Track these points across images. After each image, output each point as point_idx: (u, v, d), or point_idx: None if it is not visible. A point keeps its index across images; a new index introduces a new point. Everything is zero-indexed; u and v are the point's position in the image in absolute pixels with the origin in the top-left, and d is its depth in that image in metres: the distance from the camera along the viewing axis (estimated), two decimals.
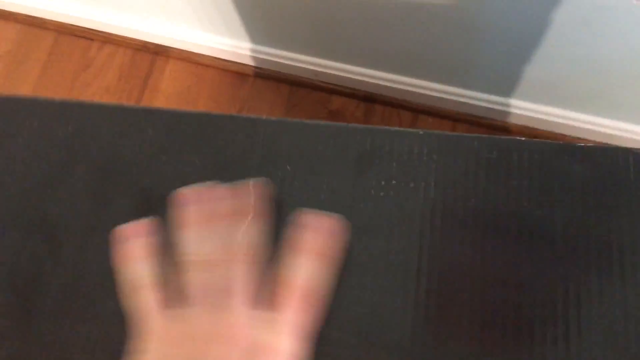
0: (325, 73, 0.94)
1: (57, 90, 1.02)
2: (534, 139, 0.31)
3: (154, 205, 0.32)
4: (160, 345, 0.27)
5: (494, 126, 0.92)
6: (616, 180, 0.30)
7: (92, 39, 1.06)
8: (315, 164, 0.32)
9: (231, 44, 0.96)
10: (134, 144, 0.34)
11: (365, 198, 0.31)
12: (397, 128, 0.32)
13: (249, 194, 0.30)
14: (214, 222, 0.29)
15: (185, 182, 0.32)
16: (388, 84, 0.91)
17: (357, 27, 0.78)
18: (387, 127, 0.32)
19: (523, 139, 0.31)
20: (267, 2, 0.80)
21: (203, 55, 1.02)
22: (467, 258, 0.29)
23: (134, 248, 0.30)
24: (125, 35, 1.04)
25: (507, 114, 0.89)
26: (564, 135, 0.89)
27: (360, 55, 0.87)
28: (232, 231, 0.29)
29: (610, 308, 0.27)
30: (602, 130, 0.84)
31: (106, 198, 0.33)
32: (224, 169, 0.32)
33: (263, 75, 1.01)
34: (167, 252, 0.30)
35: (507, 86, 0.82)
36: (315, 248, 0.29)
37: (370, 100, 0.97)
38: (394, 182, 0.31)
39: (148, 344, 0.27)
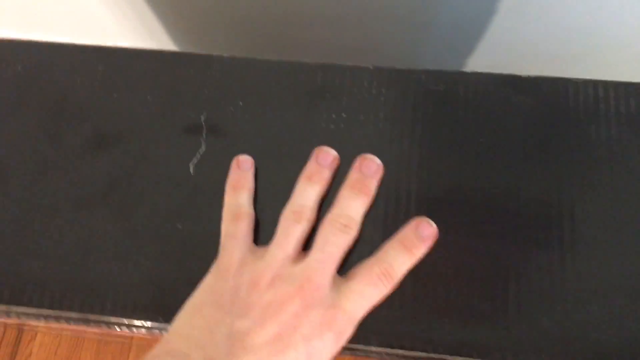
0: None
1: None
2: (479, 72, 0.32)
3: (106, 142, 0.32)
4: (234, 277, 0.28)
5: None
6: (558, 109, 0.31)
7: None
8: (267, 99, 0.32)
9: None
10: (85, 82, 0.34)
11: (316, 131, 0.32)
12: (347, 63, 0.33)
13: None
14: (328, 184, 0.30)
15: (137, 119, 0.32)
16: None
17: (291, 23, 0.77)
18: (337, 63, 0.33)
19: (468, 71, 0.32)
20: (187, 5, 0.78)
21: None
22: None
23: (245, 178, 0.30)
24: None
25: None
26: None
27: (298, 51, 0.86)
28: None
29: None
30: None
31: (57, 136, 0.33)
32: (176, 106, 0.33)
33: None
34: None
35: None
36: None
37: None
38: (344, 115, 0.32)
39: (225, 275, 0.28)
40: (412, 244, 0.28)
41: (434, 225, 0.28)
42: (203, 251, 0.30)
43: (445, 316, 0.28)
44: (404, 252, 0.28)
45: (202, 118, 0.32)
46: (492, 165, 0.30)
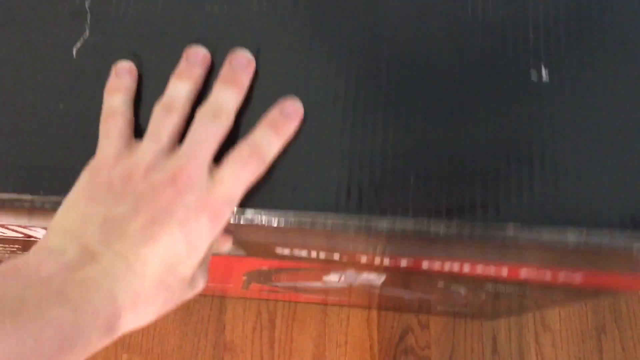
0: None
1: None
2: None
3: None
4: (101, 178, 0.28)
5: None
6: None
7: None
8: None
9: None
10: None
11: (202, 15, 0.32)
12: None
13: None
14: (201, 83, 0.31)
15: (22, 4, 0.32)
16: None
17: None
18: None
19: None
20: None
21: None
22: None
23: (121, 83, 0.31)
24: None
25: None
26: None
27: None
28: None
29: None
30: None
31: None
32: None
33: None
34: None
35: None
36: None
37: None
38: None
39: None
40: (279, 123, 0.29)
41: (299, 103, 0.30)
42: (85, 130, 0.31)
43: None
44: (272, 132, 0.29)
45: (87, 4, 0.32)
46: None
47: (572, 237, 0.27)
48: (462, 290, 0.49)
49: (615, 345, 0.80)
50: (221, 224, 0.28)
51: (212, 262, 0.46)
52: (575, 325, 0.81)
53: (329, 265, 0.43)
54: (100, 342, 0.26)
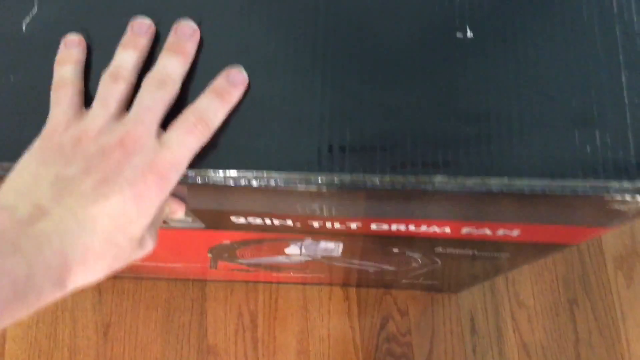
0: None
1: None
2: None
3: None
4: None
5: None
6: None
7: None
8: None
9: None
10: None
11: None
12: None
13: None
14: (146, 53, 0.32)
15: None
16: None
17: None
18: None
19: None
20: None
21: None
22: None
23: (70, 54, 0.32)
24: None
25: None
26: None
27: None
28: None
29: None
30: None
31: None
32: None
33: None
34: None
35: None
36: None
37: None
38: None
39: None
40: (225, 91, 0.31)
41: (244, 73, 0.32)
42: (37, 101, 0.32)
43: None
44: (217, 99, 0.30)
45: None
46: None
47: (495, 183, 0.29)
48: (417, 256, 0.51)
49: (587, 315, 0.82)
50: (168, 187, 0.29)
51: (175, 240, 0.47)
52: (548, 300, 0.83)
53: (285, 235, 0.45)
54: (52, 295, 0.27)
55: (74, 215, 0.27)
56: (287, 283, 0.83)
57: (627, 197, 0.29)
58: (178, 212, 0.36)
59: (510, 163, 0.29)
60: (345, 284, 0.83)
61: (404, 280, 0.73)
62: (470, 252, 0.46)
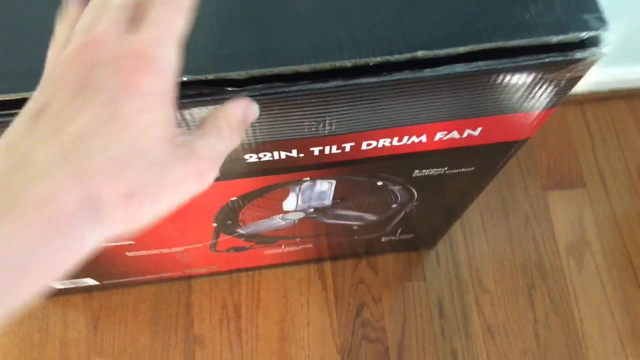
0: None
1: None
2: None
3: None
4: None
5: None
6: None
7: None
8: None
9: None
10: None
11: None
12: None
13: None
14: None
15: None
16: None
17: None
18: None
19: None
20: None
21: None
22: None
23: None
24: None
25: None
26: None
27: None
28: None
29: None
30: None
31: None
32: None
33: None
34: None
35: None
36: None
37: None
38: None
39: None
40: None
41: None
42: None
43: None
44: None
45: None
46: None
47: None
48: (397, 189, 0.60)
49: (544, 298, 0.90)
50: (156, 66, 0.25)
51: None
52: (508, 285, 0.91)
53: (287, 176, 0.52)
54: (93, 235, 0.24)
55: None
56: (271, 267, 0.89)
57: (566, 56, 0.37)
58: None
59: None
60: (330, 257, 0.89)
61: (383, 239, 0.80)
62: (442, 169, 0.55)
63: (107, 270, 0.77)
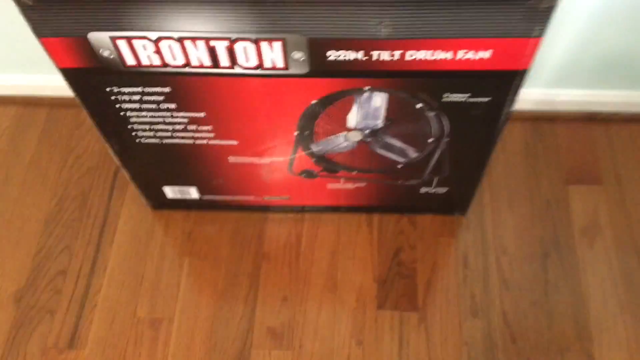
0: None
1: None
2: None
3: None
4: None
5: None
6: None
7: None
8: None
9: None
10: None
11: None
12: None
13: None
14: None
15: None
16: None
17: None
18: None
19: None
20: None
21: None
22: None
23: None
24: None
25: None
26: None
27: None
28: None
29: None
30: None
31: None
32: None
33: None
34: None
35: None
36: None
37: None
38: None
39: None
40: None
41: None
42: None
43: None
44: None
45: None
46: None
47: None
48: (432, 117, 0.82)
49: (556, 266, 1.07)
50: None
51: (273, 95, 0.80)
52: (526, 251, 1.09)
53: (354, 81, 0.76)
54: None
55: None
56: (330, 210, 1.11)
57: None
58: None
59: None
60: (379, 208, 1.10)
61: (422, 189, 1.01)
62: (465, 96, 0.77)
63: (208, 178, 1.02)
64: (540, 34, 0.67)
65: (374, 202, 1.10)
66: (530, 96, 1.20)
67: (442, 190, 1.04)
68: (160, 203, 1.13)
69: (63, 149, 1.22)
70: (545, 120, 1.23)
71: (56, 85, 1.23)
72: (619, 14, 0.99)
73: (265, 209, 1.13)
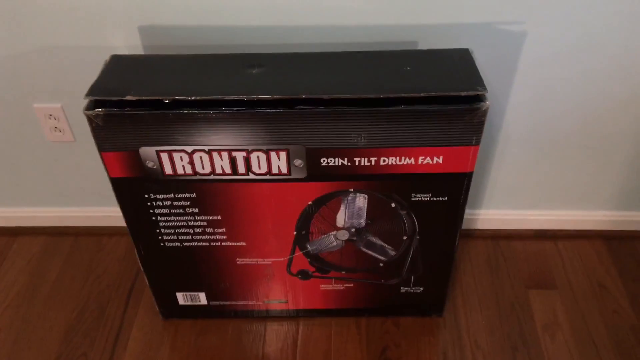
0: None
1: None
2: None
3: None
4: None
5: None
6: None
7: None
8: None
9: None
10: None
11: None
12: None
13: None
14: None
15: None
16: None
17: None
18: None
19: None
20: None
21: None
22: None
23: None
24: None
25: None
26: None
27: None
28: None
29: None
30: None
31: None
32: None
33: None
34: None
35: None
36: None
37: None
38: None
39: None
40: None
41: None
42: None
43: None
44: None
45: None
46: None
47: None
48: (404, 216, 1.02)
49: (524, 356, 1.20)
50: None
51: (274, 198, 0.99)
52: (496, 346, 1.22)
53: (341, 184, 0.97)
54: None
55: None
56: (323, 314, 1.25)
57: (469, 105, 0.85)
58: None
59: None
60: (366, 311, 1.24)
61: (402, 289, 1.17)
62: (427, 195, 0.98)
63: (217, 282, 1.18)
64: (477, 143, 0.91)
65: (360, 304, 1.26)
66: (487, 216, 1.43)
67: (418, 289, 1.20)
68: (170, 311, 1.26)
69: (85, 270, 1.38)
70: (502, 238, 1.45)
71: (81, 216, 1.44)
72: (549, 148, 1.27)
73: (265, 314, 1.27)
